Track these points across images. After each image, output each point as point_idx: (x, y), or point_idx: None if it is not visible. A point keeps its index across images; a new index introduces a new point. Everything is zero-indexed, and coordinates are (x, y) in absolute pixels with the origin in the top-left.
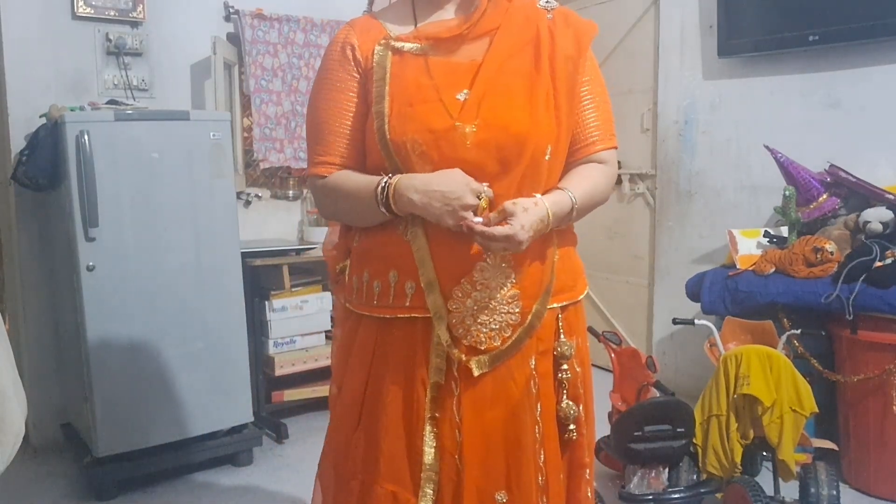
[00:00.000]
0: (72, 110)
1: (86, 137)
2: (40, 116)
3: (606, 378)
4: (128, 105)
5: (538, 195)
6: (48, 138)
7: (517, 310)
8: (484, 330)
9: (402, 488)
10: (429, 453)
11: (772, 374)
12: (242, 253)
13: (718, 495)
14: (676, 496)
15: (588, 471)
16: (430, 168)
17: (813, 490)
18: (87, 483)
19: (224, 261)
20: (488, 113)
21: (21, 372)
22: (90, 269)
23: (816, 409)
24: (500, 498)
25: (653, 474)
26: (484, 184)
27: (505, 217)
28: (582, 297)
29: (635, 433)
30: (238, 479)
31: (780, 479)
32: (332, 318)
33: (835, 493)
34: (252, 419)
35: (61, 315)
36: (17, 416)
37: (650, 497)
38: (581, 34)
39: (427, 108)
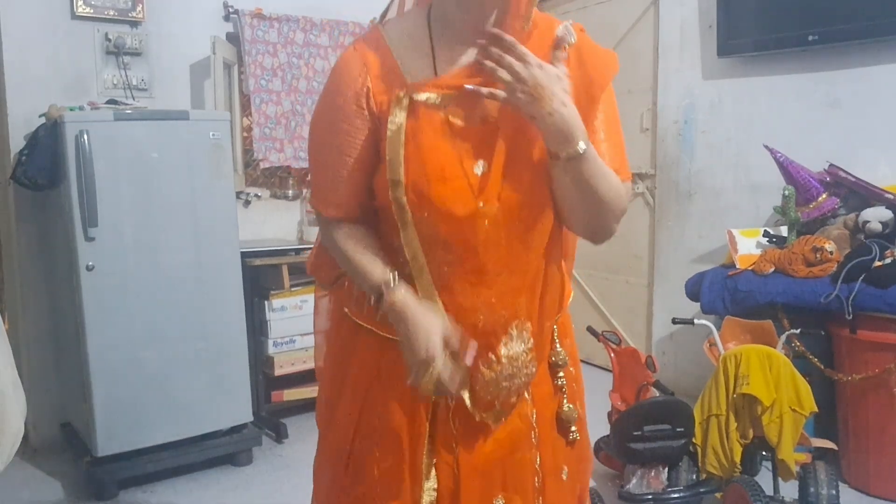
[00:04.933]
0: (71, 110)
1: (85, 137)
2: (40, 116)
3: (606, 378)
4: (127, 105)
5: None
6: (47, 138)
7: (534, 370)
8: (505, 395)
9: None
10: (427, 472)
11: (771, 374)
12: (242, 253)
13: (718, 495)
14: (676, 496)
15: (591, 464)
16: (447, 233)
17: (812, 490)
18: (86, 483)
19: (223, 260)
20: (508, 190)
21: (20, 372)
22: (90, 268)
23: (816, 409)
24: (497, 501)
25: (652, 474)
26: (469, 344)
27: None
28: (569, 301)
29: (635, 433)
30: (238, 478)
31: (779, 479)
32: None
33: (834, 492)
34: (251, 419)
35: (61, 315)
36: (17, 416)
37: (650, 497)
38: (595, 79)
39: (448, 189)
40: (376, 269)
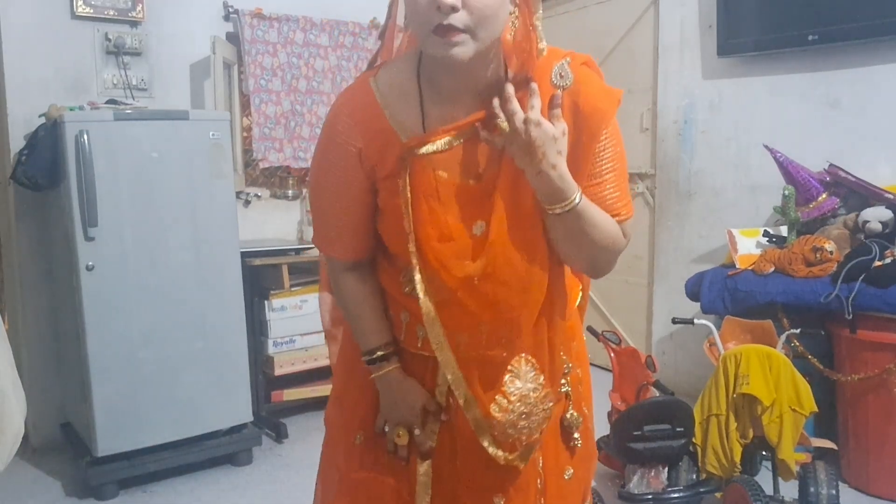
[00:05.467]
0: (71, 110)
1: (85, 137)
2: (39, 116)
3: (606, 378)
4: (127, 105)
5: None
6: (47, 138)
7: (550, 404)
8: (525, 433)
9: (401, 485)
10: (421, 470)
11: (771, 374)
12: (242, 252)
13: (718, 495)
14: (676, 496)
15: (595, 461)
16: (447, 288)
17: (812, 489)
18: (86, 483)
19: (223, 260)
20: (501, 249)
21: (20, 371)
22: (89, 268)
23: (816, 409)
24: (497, 501)
25: (652, 474)
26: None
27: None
28: (577, 303)
29: (635, 433)
30: (237, 478)
31: (779, 479)
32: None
33: (834, 492)
34: (251, 419)
35: (61, 315)
36: (17, 416)
37: (650, 496)
38: (588, 122)
39: (448, 249)
40: (376, 331)
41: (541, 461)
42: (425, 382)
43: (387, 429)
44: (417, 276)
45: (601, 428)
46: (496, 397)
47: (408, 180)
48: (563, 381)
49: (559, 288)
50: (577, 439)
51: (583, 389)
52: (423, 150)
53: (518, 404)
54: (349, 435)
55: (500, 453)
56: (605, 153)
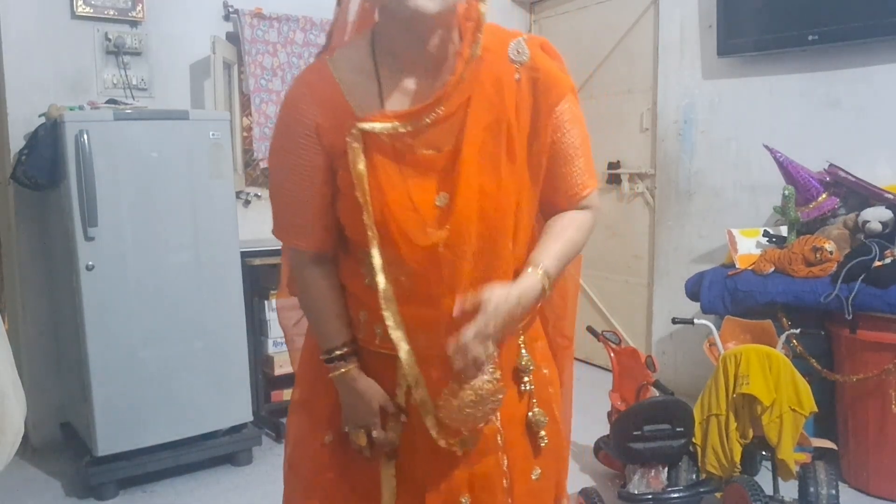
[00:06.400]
0: (71, 110)
1: (85, 137)
2: (39, 116)
3: (606, 377)
4: (127, 105)
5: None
6: (47, 138)
7: (502, 396)
8: (470, 420)
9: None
10: (385, 470)
11: (771, 374)
12: (242, 252)
13: (718, 495)
14: (676, 496)
15: (567, 465)
16: (409, 263)
17: (812, 489)
18: (86, 482)
19: (223, 260)
20: (463, 219)
21: (20, 371)
22: (89, 268)
23: (816, 409)
24: (464, 500)
25: (652, 474)
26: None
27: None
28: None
29: (635, 433)
30: (237, 478)
31: (779, 479)
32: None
33: (834, 492)
34: (251, 419)
35: (60, 315)
36: (17, 416)
37: (649, 496)
38: (545, 97)
39: (410, 222)
40: (336, 330)
41: (505, 461)
42: (384, 382)
43: (347, 430)
44: (375, 252)
45: (601, 428)
46: (451, 383)
47: (361, 153)
48: (525, 378)
49: (521, 261)
50: (543, 437)
51: (553, 391)
52: (380, 127)
53: (468, 392)
54: (317, 437)
55: (442, 441)
56: (570, 136)
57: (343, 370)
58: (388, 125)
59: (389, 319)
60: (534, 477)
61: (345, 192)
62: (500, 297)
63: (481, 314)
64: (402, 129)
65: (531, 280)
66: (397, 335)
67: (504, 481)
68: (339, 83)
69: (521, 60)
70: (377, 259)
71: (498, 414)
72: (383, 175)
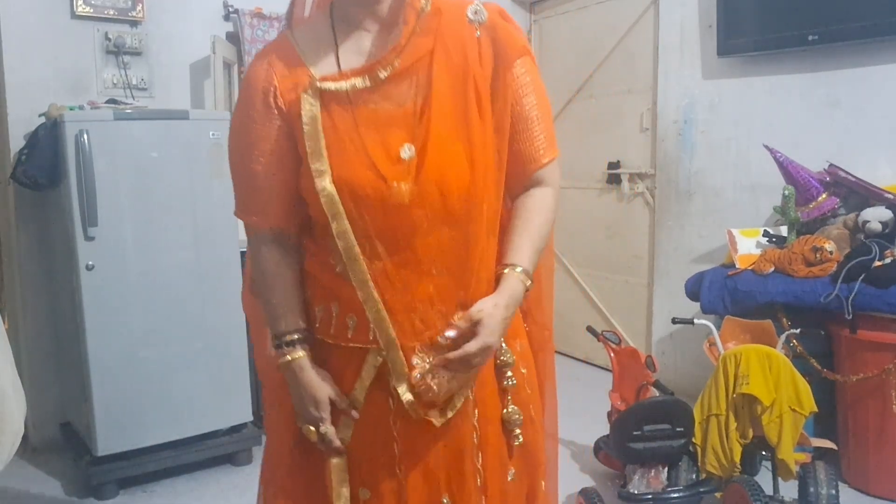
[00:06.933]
0: (71, 109)
1: (85, 137)
2: (39, 116)
3: (606, 377)
4: (127, 104)
5: (492, 298)
6: (47, 137)
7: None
8: (446, 390)
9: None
10: (336, 469)
11: (771, 374)
12: (242, 252)
13: (718, 495)
14: (676, 496)
15: (543, 468)
16: (378, 222)
17: (812, 489)
18: (86, 482)
19: (223, 260)
20: (429, 172)
21: (20, 371)
22: (89, 268)
23: (815, 409)
24: (445, 501)
25: (652, 473)
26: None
27: (473, 323)
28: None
29: (635, 432)
30: (237, 478)
31: (779, 479)
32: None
33: (834, 492)
34: (251, 418)
35: (60, 314)
36: (17, 416)
37: (649, 496)
38: (504, 51)
39: (373, 175)
40: (289, 313)
41: (480, 459)
42: (345, 377)
43: (298, 424)
44: (341, 223)
45: (601, 428)
46: (419, 341)
47: (319, 111)
48: (508, 373)
49: (496, 233)
50: (517, 436)
51: (531, 392)
52: (336, 86)
53: (439, 352)
54: (285, 435)
55: (413, 401)
56: (528, 97)
57: (290, 358)
58: (344, 84)
59: (355, 275)
60: (509, 478)
61: (306, 164)
62: (491, 313)
63: (481, 334)
64: (360, 86)
65: (512, 283)
66: (366, 291)
67: (478, 479)
68: (298, 51)
69: (479, 20)
70: (343, 225)
71: (476, 412)
72: (343, 131)
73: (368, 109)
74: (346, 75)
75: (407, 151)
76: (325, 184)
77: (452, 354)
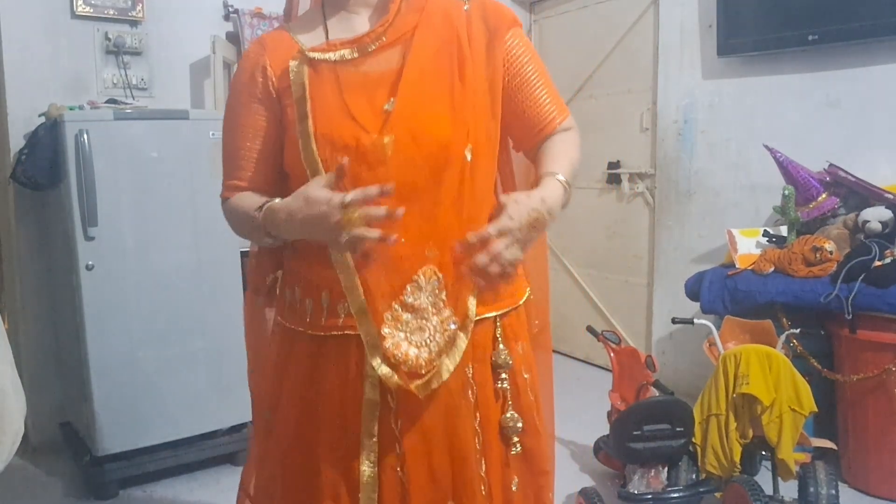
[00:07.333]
0: (71, 109)
1: (85, 136)
2: (39, 115)
3: (606, 377)
4: (127, 104)
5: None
6: (47, 137)
7: (453, 328)
8: (423, 355)
9: None
10: (366, 472)
11: (771, 374)
12: (242, 252)
13: (718, 494)
14: (675, 495)
15: (548, 478)
16: (359, 177)
17: (812, 489)
18: (86, 482)
19: (223, 260)
20: (407, 123)
21: (20, 371)
22: (89, 268)
23: (815, 409)
24: None
25: (652, 473)
26: (335, 174)
27: (499, 208)
28: (522, 301)
29: (634, 432)
30: (237, 478)
31: (779, 479)
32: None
33: (834, 492)
34: (251, 418)
35: (60, 314)
36: (16, 415)
37: (649, 496)
38: (495, 22)
39: (347, 126)
40: (256, 199)
41: (483, 466)
42: (350, 372)
43: (342, 241)
44: (319, 168)
45: (601, 428)
46: (392, 304)
47: (305, 75)
48: (502, 374)
49: (479, 188)
50: (515, 444)
51: (534, 399)
52: (323, 56)
53: (410, 316)
54: (261, 414)
55: (394, 379)
56: (524, 59)
57: (271, 204)
58: (332, 54)
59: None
60: (513, 488)
61: (291, 135)
62: (518, 199)
63: (504, 214)
64: (348, 56)
65: (552, 184)
66: (336, 257)
67: (483, 487)
68: (291, 35)
69: None
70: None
71: (477, 415)
72: (330, 94)
73: (359, 73)
74: (334, 45)
75: (390, 104)
76: (309, 143)
77: (480, 258)
